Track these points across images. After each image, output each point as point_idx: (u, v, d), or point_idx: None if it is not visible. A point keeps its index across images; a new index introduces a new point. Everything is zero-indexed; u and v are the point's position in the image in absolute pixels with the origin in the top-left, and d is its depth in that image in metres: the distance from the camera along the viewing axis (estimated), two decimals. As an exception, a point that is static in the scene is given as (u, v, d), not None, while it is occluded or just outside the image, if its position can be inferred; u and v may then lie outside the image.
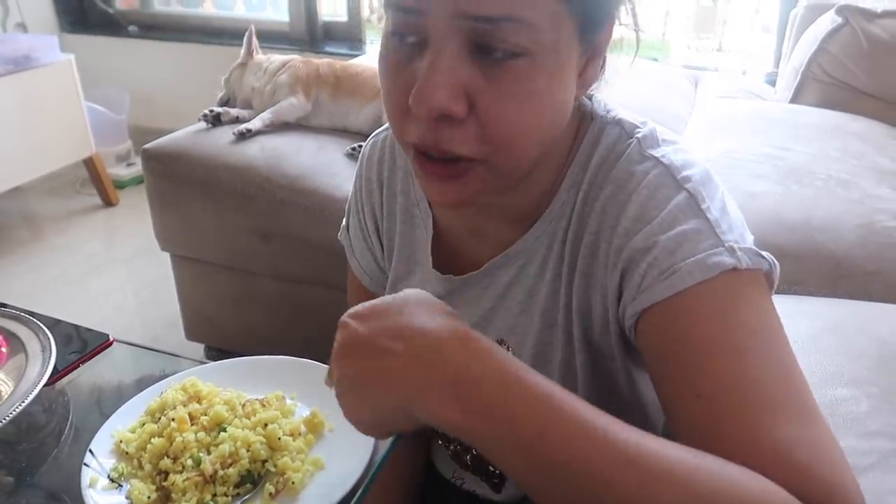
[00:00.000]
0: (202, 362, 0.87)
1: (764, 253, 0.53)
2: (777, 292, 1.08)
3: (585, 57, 0.53)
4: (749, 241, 0.53)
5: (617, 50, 0.60)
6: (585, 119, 0.60)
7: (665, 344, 0.51)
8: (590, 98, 0.62)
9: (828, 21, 1.69)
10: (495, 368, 0.43)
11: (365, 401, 0.47)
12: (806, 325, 0.90)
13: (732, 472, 0.42)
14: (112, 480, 0.66)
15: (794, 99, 1.74)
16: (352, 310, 0.49)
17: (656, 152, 0.56)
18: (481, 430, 0.42)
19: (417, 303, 0.48)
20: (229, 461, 0.64)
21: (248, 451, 0.64)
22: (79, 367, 0.90)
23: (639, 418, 0.63)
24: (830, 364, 0.81)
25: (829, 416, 0.72)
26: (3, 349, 0.80)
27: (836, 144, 1.37)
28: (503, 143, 0.50)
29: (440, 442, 0.80)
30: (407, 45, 0.49)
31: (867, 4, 1.66)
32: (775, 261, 0.54)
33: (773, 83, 2.06)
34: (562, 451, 0.40)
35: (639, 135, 0.58)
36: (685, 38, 3.03)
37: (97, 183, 2.63)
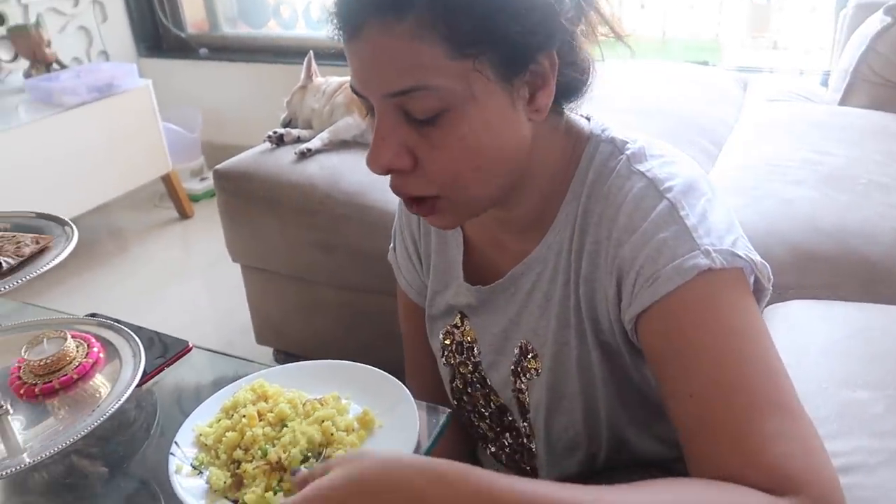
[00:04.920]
0: (270, 366, 0.97)
1: (741, 252, 0.57)
2: (810, 297, 1.10)
3: (528, 89, 0.59)
4: (728, 242, 0.57)
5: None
6: (582, 138, 0.67)
7: (657, 346, 0.57)
8: (588, 119, 0.69)
9: (877, 21, 1.68)
10: (472, 492, 0.46)
11: None
12: (833, 329, 0.93)
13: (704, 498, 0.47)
14: (194, 468, 0.76)
15: (844, 101, 1.73)
16: None
17: (642, 167, 0.62)
18: None
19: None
20: (291, 448, 0.73)
21: (307, 442, 0.73)
22: (163, 370, 1.02)
23: (654, 410, 0.69)
24: (852, 367, 0.84)
25: (845, 417, 0.76)
26: (102, 355, 0.92)
27: (879, 147, 1.37)
28: (447, 183, 0.59)
29: (480, 444, 0.87)
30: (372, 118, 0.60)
31: (918, 3, 1.64)
32: (757, 260, 0.58)
33: (827, 84, 2.04)
34: None
35: (628, 151, 0.64)
36: (738, 37, 2.99)
37: (174, 197, 2.81)
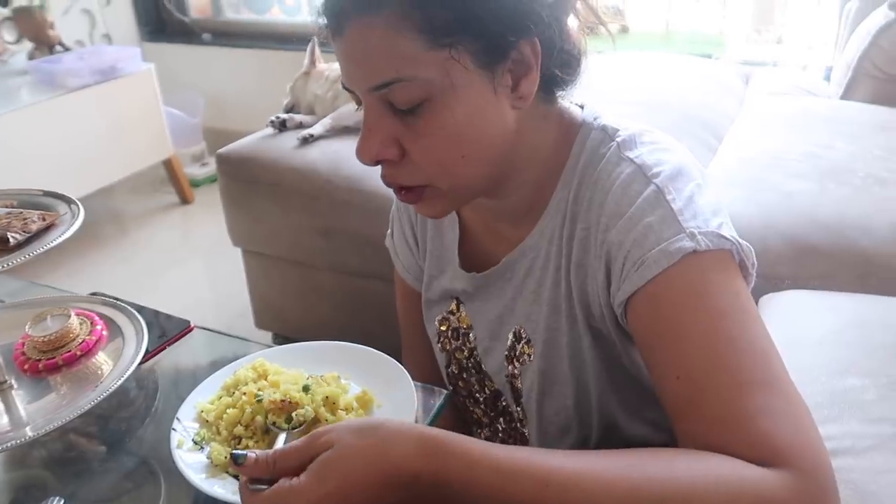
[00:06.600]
0: (270, 346, 0.98)
1: (727, 234, 0.58)
2: (805, 288, 1.11)
3: (512, 76, 0.60)
4: (714, 225, 0.58)
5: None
6: (575, 126, 0.68)
7: (646, 330, 0.57)
8: (582, 107, 0.69)
9: (881, 16, 1.68)
10: (448, 466, 0.48)
11: None
12: (830, 319, 0.94)
13: (678, 466, 0.48)
14: (195, 443, 0.77)
15: (846, 95, 1.73)
16: None
17: (632, 153, 0.63)
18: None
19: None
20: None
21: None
22: (165, 349, 1.03)
23: (645, 395, 0.70)
24: (847, 356, 0.84)
25: (836, 404, 0.77)
26: (105, 332, 0.93)
27: (880, 142, 1.38)
28: (434, 171, 0.61)
29: (475, 429, 0.88)
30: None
31: (922, -2, 1.64)
32: (742, 242, 0.59)
33: (830, 78, 2.04)
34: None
35: (619, 138, 0.64)
36: (743, 31, 2.98)
37: (175, 182, 2.82)
